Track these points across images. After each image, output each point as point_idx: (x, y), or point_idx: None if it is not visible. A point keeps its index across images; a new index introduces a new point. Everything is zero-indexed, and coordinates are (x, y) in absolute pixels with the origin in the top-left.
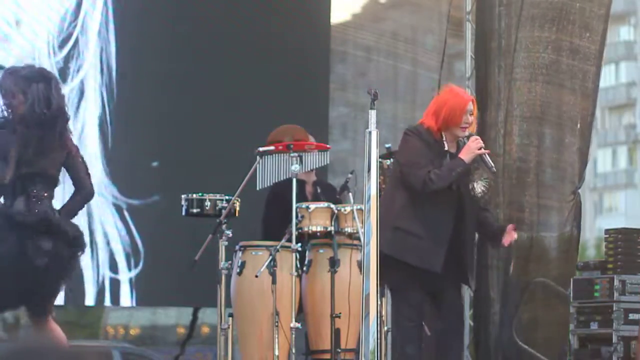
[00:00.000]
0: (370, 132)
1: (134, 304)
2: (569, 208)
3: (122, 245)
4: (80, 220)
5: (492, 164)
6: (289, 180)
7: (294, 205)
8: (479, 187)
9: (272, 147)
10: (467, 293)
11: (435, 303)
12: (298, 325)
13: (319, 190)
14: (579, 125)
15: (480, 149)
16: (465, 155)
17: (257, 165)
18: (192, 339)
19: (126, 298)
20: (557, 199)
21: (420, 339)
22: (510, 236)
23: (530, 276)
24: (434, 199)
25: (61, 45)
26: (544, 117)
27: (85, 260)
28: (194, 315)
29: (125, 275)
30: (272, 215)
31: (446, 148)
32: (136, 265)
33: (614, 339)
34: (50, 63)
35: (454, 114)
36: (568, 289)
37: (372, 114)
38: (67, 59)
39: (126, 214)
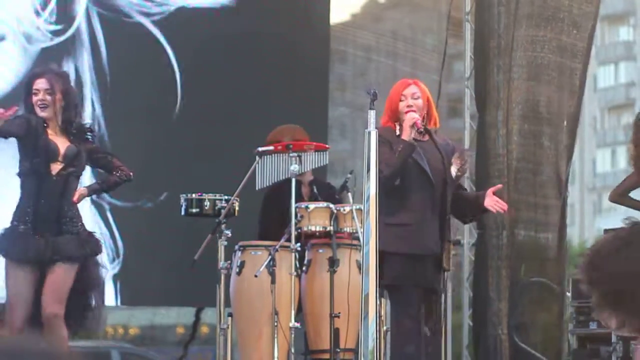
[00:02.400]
0: (369, 132)
1: (118, 304)
2: (560, 206)
3: (120, 244)
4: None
5: (421, 127)
6: (285, 181)
7: (293, 205)
8: (453, 169)
9: (271, 147)
10: (467, 293)
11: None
12: (297, 325)
13: (315, 190)
14: (565, 122)
15: (412, 119)
16: (404, 134)
17: (257, 165)
18: (193, 339)
19: (124, 298)
20: (554, 197)
21: (420, 339)
22: (494, 200)
23: (531, 276)
24: (412, 190)
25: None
26: (539, 116)
27: None
28: (197, 316)
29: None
30: (268, 217)
31: (397, 133)
32: (134, 265)
33: (613, 339)
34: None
35: (392, 100)
36: (564, 287)
37: (372, 114)
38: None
39: (127, 213)
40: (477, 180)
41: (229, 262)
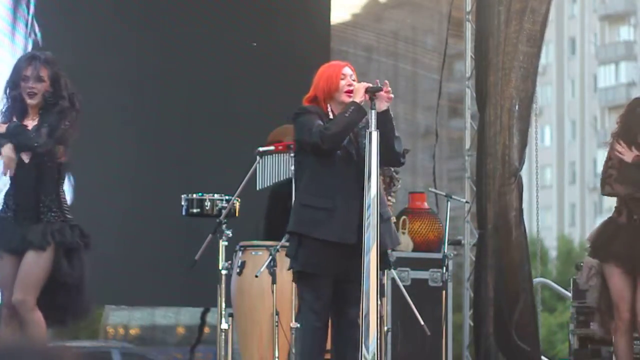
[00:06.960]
0: (370, 133)
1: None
2: (510, 192)
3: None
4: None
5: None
6: (290, 180)
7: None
8: None
9: (272, 147)
10: (467, 293)
11: (338, 294)
12: (298, 325)
13: None
14: (517, 107)
15: (368, 84)
16: (355, 96)
17: (257, 165)
18: (193, 339)
19: (125, 298)
20: (508, 184)
21: (323, 335)
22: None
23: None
24: (337, 172)
25: None
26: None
27: None
28: (202, 319)
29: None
30: (272, 213)
31: (331, 116)
32: (134, 265)
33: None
34: None
35: (332, 80)
36: (568, 288)
37: (373, 114)
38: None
39: (127, 213)
40: (477, 180)
41: (229, 262)
